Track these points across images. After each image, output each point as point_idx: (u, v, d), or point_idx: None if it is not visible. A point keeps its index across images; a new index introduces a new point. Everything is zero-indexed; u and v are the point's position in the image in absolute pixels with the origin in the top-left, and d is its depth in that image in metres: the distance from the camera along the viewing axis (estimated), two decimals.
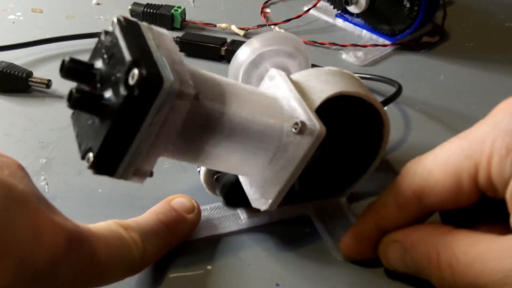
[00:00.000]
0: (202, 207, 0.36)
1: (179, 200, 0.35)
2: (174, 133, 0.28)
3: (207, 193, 0.37)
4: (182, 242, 0.35)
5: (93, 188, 0.39)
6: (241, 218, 0.37)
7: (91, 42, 0.52)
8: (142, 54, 0.26)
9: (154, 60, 0.26)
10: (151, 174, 0.28)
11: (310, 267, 0.35)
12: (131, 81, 0.25)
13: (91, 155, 0.26)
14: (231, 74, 0.38)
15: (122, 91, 0.25)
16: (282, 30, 0.58)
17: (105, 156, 0.26)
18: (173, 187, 0.39)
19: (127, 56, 0.26)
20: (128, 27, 0.28)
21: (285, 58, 0.37)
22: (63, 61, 0.26)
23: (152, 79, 0.25)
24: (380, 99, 0.44)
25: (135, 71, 0.25)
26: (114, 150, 0.26)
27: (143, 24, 0.29)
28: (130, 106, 0.25)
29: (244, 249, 0.36)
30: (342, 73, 0.34)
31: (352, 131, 0.34)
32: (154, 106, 0.26)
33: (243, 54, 0.37)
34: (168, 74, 0.26)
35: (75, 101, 0.26)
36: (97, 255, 0.28)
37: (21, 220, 0.24)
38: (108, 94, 0.26)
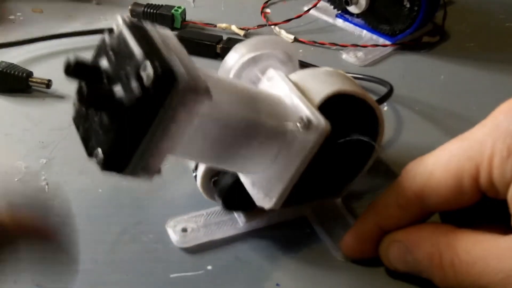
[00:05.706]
0: (198, 213, 0.36)
1: None
2: (184, 130, 0.28)
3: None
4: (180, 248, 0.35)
5: (93, 188, 0.39)
6: (239, 222, 0.37)
7: (91, 40, 0.53)
8: (152, 51, 0.26)
9: (165, 56, 0.26)
10: (159, 171, 0.28)
11: (311, 267, 0.35)
12: (144, 77, 0.24)
13: (100, 151, 0.26)
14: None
15: (135, 87, 0.25)
16: (282, 30, 0.58)
17: (116, 152, 0.26)
18: (173, 187, 0.39)
19: (138, 52, 0.25)
20: (134, 26, 0.27)
21: (274, 62, 0.37)
22: (68, 60, 0.26)
23: (166, 74, 0.25)
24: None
25: (148, 67, 0.24)
26: (125, 146, 0.26)
27: (147, 24, 0.29)
28: (143, 101, 0.25)
29: (244, 250, 0.36)
30: (337, 74, 0.35)
31: (348, 131, 0.34)
32: (167, 102, 0.25)
33: (231, 60, 0.37)
34: (180, 70, 0.25)
35: (87, 97, 0.25)
36: None
37: None
38: (118, 90, 0.26)
